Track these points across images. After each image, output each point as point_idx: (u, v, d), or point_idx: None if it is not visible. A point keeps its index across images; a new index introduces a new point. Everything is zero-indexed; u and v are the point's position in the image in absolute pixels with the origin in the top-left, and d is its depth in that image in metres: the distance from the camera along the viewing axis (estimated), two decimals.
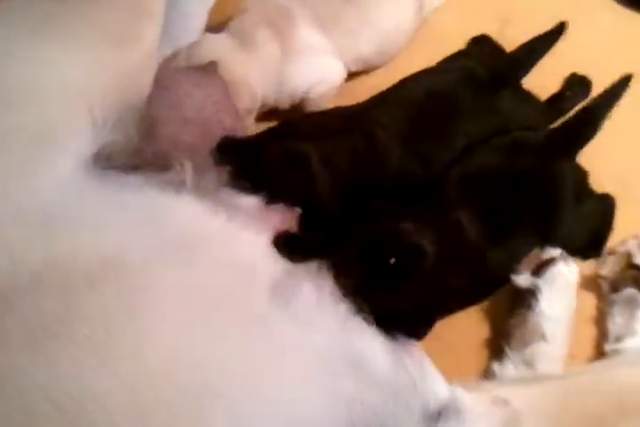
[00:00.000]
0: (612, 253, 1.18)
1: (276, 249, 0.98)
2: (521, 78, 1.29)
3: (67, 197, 0.90)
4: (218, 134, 1.07)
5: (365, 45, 1.31)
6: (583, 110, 1.21)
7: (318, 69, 1.28)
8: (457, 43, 1.38)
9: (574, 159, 1.18)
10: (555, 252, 1.11)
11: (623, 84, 1.26)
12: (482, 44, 1.38)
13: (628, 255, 1.17)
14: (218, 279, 0.89)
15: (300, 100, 1.27)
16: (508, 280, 1.12)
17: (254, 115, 1.23)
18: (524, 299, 1.12)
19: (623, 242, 1.18)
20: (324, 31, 1.28)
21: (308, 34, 1.27)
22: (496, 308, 1.16)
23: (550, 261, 1.11)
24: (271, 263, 0.95)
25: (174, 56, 1.22)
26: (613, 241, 1.19)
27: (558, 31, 1.32)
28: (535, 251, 1.10)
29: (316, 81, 1.26)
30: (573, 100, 1.31)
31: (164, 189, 0.95)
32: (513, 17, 1.42)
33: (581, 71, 1.35)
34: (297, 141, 1.10)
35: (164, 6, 1.11)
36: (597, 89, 1.31)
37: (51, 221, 0.87)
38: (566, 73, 1.35)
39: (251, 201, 1.01)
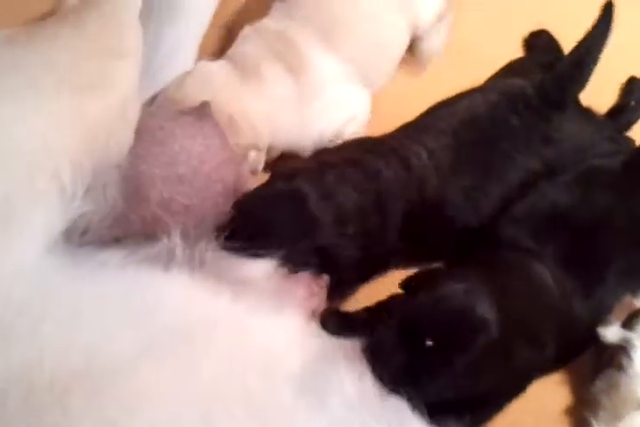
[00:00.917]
0: None
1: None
2: (576, 95, 1.07)
3: (31, 290, 0.74)
4: (218, 192, 0.92)
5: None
6: None
7: (346, 105, 1.10)
8: (487, 54, 1.21)
9: None
10: None
11: None
12: (538, 44, 1.19)
13: None
14: (228, 377, 0.73)
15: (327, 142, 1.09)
16: (595, 338, 0.94)
17: (262, 161, 1.05)
18: (614, 357, 0.95)
19: None
20: (332, 45, 1.09)
21: (322, 62, 1.08)
22: (578, 369, 1.00)
23: None
24: (296, 352, 0.79)
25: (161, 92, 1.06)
26: None
27: (606, 19, 1.02)
28: (626, 298, 0.95)
29: (347, 119, 1.09)
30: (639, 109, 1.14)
31: (150, 266, 0.80)
32: (547, 19, 1.23)
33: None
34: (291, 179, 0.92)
35: (141, 44, 0.94)
36: None
37: (11, 323, 0.71)
38: (623, 78, 1.19)
39: (262, 271, 0.85)
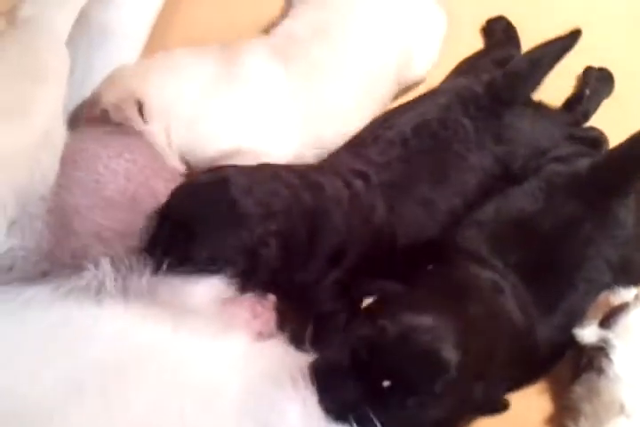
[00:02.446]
0: None
1: None
2: (528, 94, 1.04)
3: None
4: (150, 205, 0.87)
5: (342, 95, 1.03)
6: (633, 137, 0.93)
7: (256, 126, 0.99)
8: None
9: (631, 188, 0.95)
10: (627, 294, 0.91)
11: None
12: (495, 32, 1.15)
13: None
14: (164, 410, 0.68)
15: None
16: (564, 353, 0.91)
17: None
18: (593, 360, 0.90)
19: None
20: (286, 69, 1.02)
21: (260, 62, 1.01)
22: (556, 374, 0.94)
23: (623, 308, 0.90)
24: (238, 378, 0.73)
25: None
26: None
27: (571, 38, 1.03)
28: (602, 295, 0.91)
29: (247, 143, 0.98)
30: (596, 99, 1.11)
31: (79, 299, 0.75)
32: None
33: (597, 63, 1.15)
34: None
35: (66, 68, 0.91)
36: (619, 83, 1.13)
37: None
38: (579, 69, 1.15)
39: (205, 295, 0.80)
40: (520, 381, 0.90)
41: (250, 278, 0.84)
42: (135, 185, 0.88)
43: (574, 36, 1.03)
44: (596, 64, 1.14)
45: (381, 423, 0.72)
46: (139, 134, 0.93)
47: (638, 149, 0.92)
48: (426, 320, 0.76)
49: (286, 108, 0.99)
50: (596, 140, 1.06)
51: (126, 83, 0.97)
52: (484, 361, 0.78)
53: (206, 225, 0.82)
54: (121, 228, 0.85)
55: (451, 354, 0.73)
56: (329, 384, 0.74)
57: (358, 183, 0.92)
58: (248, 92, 0.99)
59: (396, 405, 0.73)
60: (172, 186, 0.89)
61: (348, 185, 0.92)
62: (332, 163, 0.97)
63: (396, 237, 0.93)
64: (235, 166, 0.87)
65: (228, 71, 0.99)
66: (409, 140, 0.97)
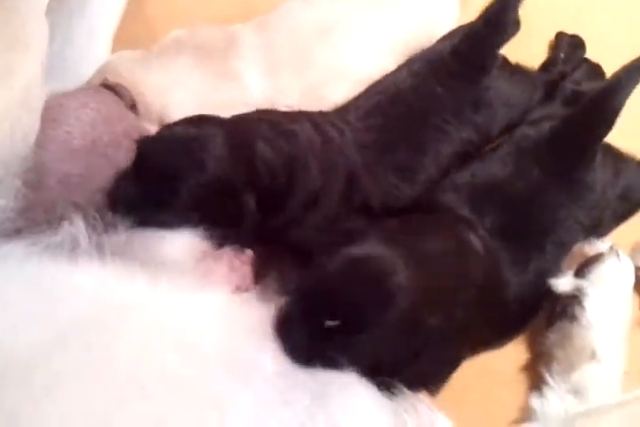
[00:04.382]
0: None
1: None
2: (495, 53, 1.01)
3: None
4: (113, 154, 0.88)
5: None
6: (592, 97, 0.93)
7: None
8: None
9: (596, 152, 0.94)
10: (602, 245, 0.93)
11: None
12: None
13: None
14: (145, 359, 0.70)
15: None
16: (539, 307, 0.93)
17: None
18: (566, 308, 0.92)
19: None
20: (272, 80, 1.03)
21: (248, 66, 1.03)
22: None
23: (597, 258, 0.92)
24: (218, 328, 0.75)
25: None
26: None
27: None
28: (578, 246, 0.93)
29: None
30: (570, 63, 1.11)
31: (54, 255, 0.77)
32: None
33: (568, 30, 1.16)
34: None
35: (45, 35, 0.92)
36: (592, 48, 1.14)
37: None
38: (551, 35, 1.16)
39: (181, 249, 0.82)
40: (490, 339, 0.91)
41: (235, 233, 0.85)
42: (100, 132, 0.88)
43: None
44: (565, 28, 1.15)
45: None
46: (110, 91, 0.95)
47: (594, 115, 0.92)
48: (369, 249, 0.76)
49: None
50: (578, 93, 1.06)
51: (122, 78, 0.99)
52: (442, 293, 0.78)
53: (186, 183, 0.82)
54: (83, 172, 0.86)
55: (399, 279, 0.73)
56: (283, 335, 0.75)
57: (332, 132, 0.93)
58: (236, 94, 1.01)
59: (342, 344, 0.73)
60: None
61: (322, 132, 0.93)
62: (309, 114, 0.97)
63: (370, 197, 0.94)
64: (208, 120, 0.88)
65: (217, 73, 1.02)
66: (387, 110, 0.98)
